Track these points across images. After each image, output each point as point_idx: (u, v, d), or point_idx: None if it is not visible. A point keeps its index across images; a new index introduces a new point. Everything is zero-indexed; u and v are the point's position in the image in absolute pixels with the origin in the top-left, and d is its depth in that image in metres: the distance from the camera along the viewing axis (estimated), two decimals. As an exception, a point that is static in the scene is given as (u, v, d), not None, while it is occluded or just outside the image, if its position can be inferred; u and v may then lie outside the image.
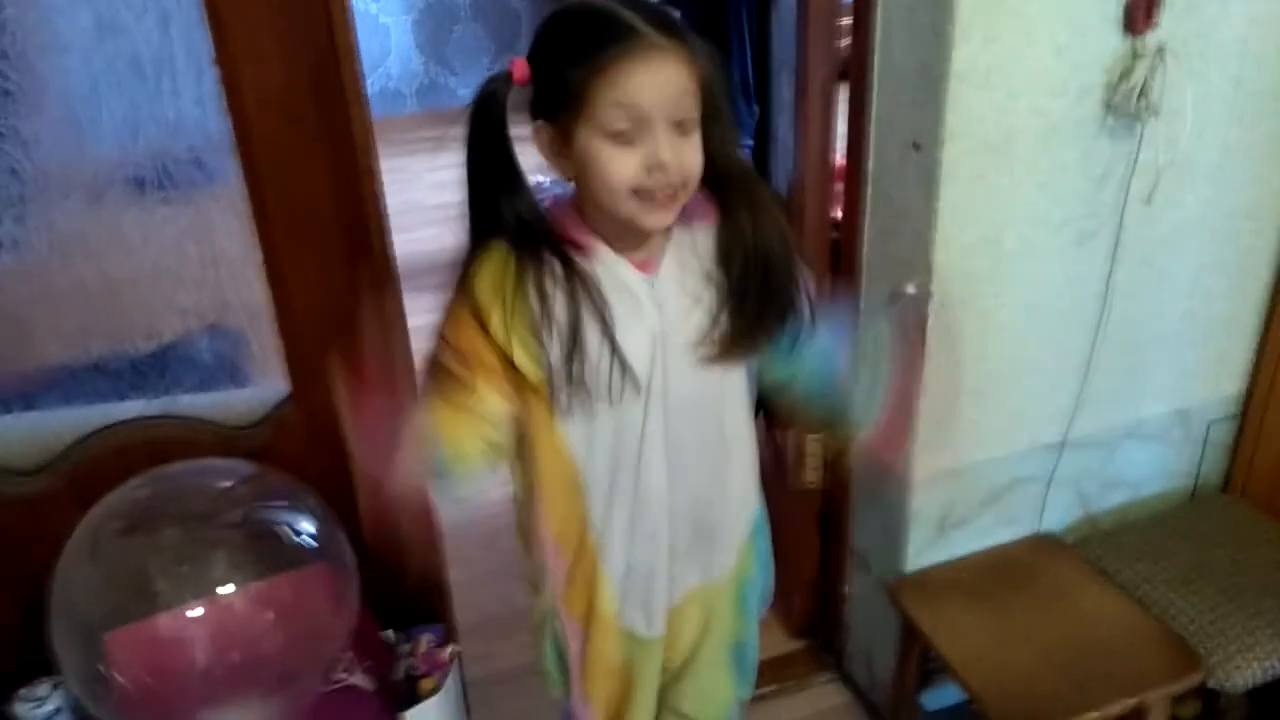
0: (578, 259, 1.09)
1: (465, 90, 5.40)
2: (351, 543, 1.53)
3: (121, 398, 1.57)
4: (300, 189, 1.49)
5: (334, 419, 1.63)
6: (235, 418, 1.62)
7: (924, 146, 1.48)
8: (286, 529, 1.46)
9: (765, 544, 1.39)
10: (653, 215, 1.06)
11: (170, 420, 1.59)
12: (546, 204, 1.14)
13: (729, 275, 1.13)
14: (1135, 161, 1.55)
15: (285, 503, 1.50)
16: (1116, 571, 1.73)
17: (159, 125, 1.44)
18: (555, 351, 1.09)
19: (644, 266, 1.13)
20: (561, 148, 1.06)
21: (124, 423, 1.57)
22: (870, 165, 1.62)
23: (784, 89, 1.88)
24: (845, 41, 1.63)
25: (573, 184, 1.10)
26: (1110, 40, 1.46)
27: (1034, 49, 1.42)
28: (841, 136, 1.70)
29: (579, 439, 1.16)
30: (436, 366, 1.12)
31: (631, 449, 1.16)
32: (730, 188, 1.13)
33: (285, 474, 1.52)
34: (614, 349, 1.10)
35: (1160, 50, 1.46)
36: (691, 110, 1.04)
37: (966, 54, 1.39)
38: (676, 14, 1.15)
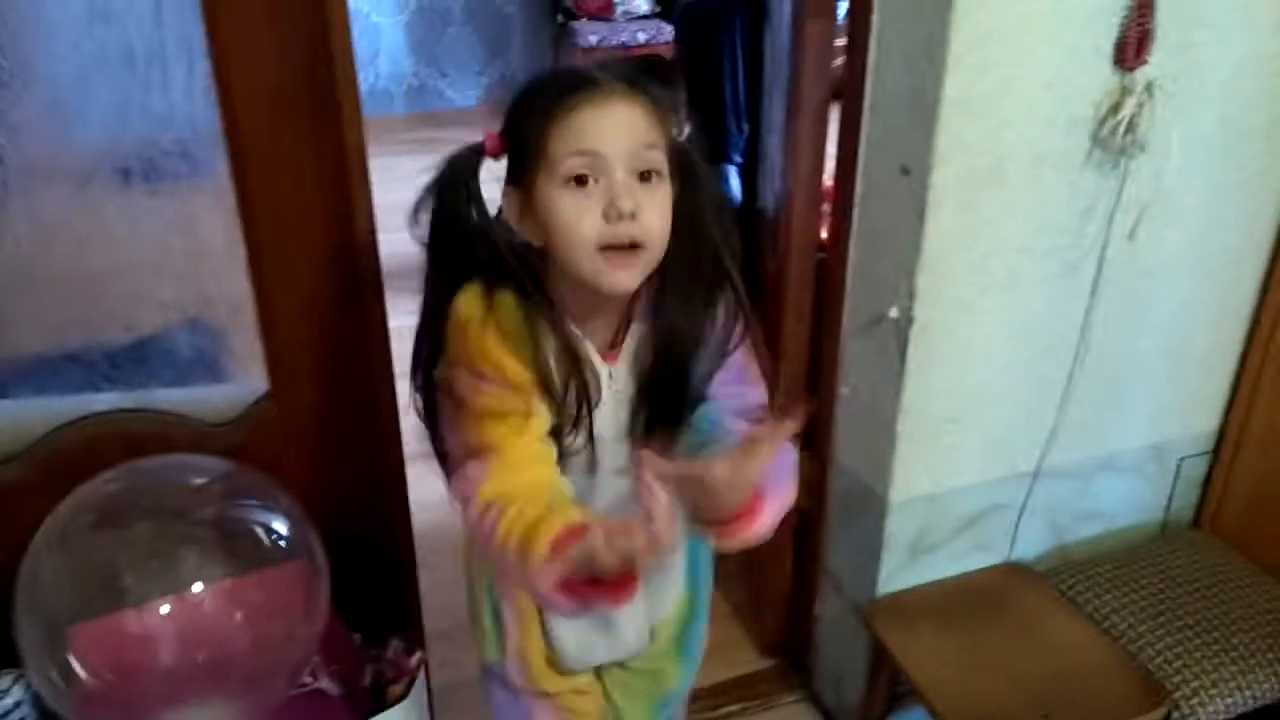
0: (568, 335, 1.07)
1: (455, 93, 5.41)
2: (323, 544, 1.52)
3: (97, 389, 1.55)
4: (288, 185, 1.48)
5: (310, 418, 1.63)
6: (212, 414, 1.61)
7: (913, 171, 1.49)
8: (259, 528, 1.44)
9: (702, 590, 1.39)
10: (613, 275, 1.00)
11: (146, 414, 1.57)
12: None
13: (655, 364, 1.11)
14: (1120, 196, 1.56)
15: (258, 501, 1.48)
16: (1086, 602, 1.74)
17: (147, 116, 1.43)
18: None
19: (607, 355, 1.11)
20: (527, 209, 1.03)
21: (99, 415, 1.55)
22: (859, 187, 1.63)
23: (775, 109, 1.89)
24: (839, 62, 1.64)
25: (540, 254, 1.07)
26: (1100, 74, 1.47)
27: (1025, 79, 1.44)
28: (831, 157, 1.71)
29: None
30: (477, 419, 1.06)
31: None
32: (672, 268, 1.07)
33: (259, 472, 1.51)
34: (591, 421, 1.09)
35: (1149, 86, 1.48)
36: (658, 164, 1.01)
37: (959, 81, 1.40)
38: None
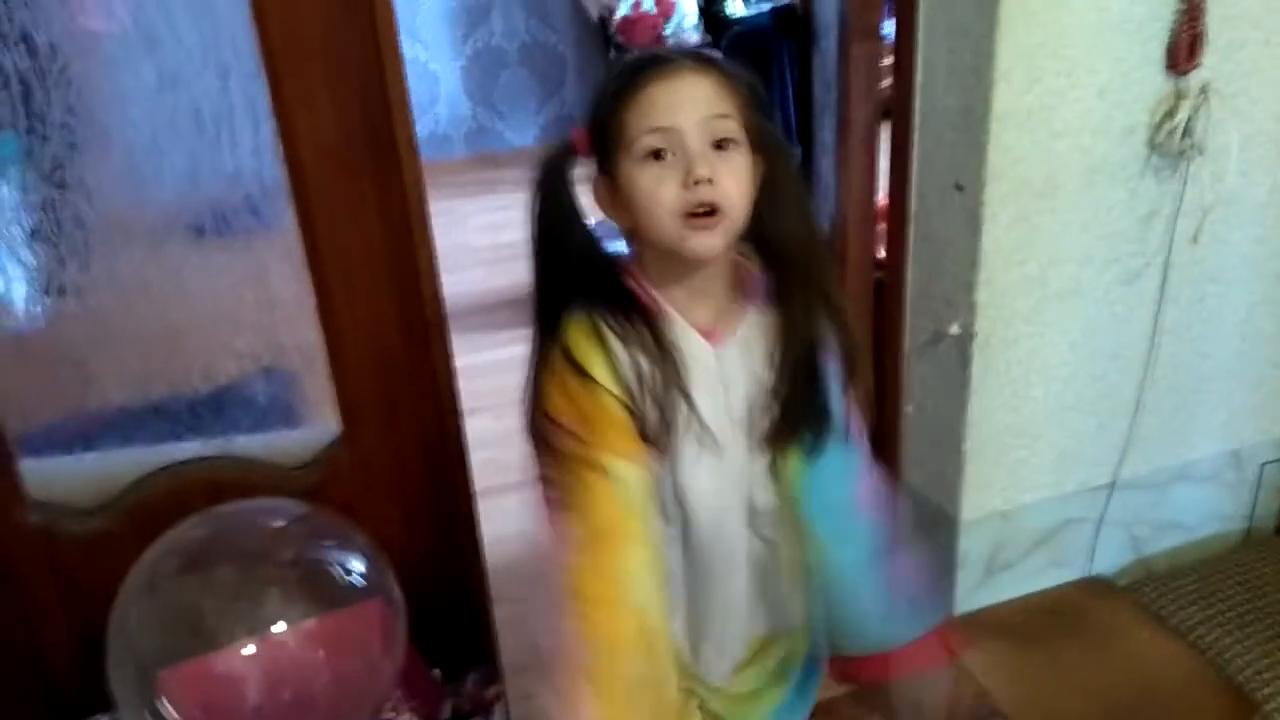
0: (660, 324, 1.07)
1: (512, 134, 5.50)
2: (399, 581, 1.55)
3: (179, 439, 1.61)
4: (352, 234, 1.53)
5: (382, 458, 1.67)
6: (288, 458, 1.66)
7: (966, 187, 1.49)
8: (338, 568, 1.48)
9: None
10: (695, 239, 1.01)
11: (225, 461, 1.62)
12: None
13: (783, 360, 1.10)
14: (1181, 200, 1.55)
15: (336, 542, 1.52)
16: (1170, 615, 1.70)
17: (217, 174, 1.49)
18: (647, 412, 1.05)
19: (710, 336, 1.10)
20: (614, 195, 1.06)
21: (181, 463, 1.61)
22: (913, 205, 1.63)
23: (826, 130, 1.90)
24: (887, 82, 1.65)
25: (631, 240, 1.09)
26: (1153, 80, 1.46)
27: (1076, 90, 1.43)
28: (884, 173, 1.71)
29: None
30: (563, 470, 1.06)
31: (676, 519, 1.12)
32: (786, 265, 1.09)
33: (336, 513, 1.55)
34: (694, 410, 1.06)
35: (1204, 89, 1.46)
36: (733, 133, 1.03)
37: (1008, 95, 1.40)
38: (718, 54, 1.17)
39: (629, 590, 1.03)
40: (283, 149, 1.46)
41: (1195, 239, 1.57)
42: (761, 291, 1.10)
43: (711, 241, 1.02)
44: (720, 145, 1.02)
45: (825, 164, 1.93)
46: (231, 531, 1.50)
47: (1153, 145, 1.50)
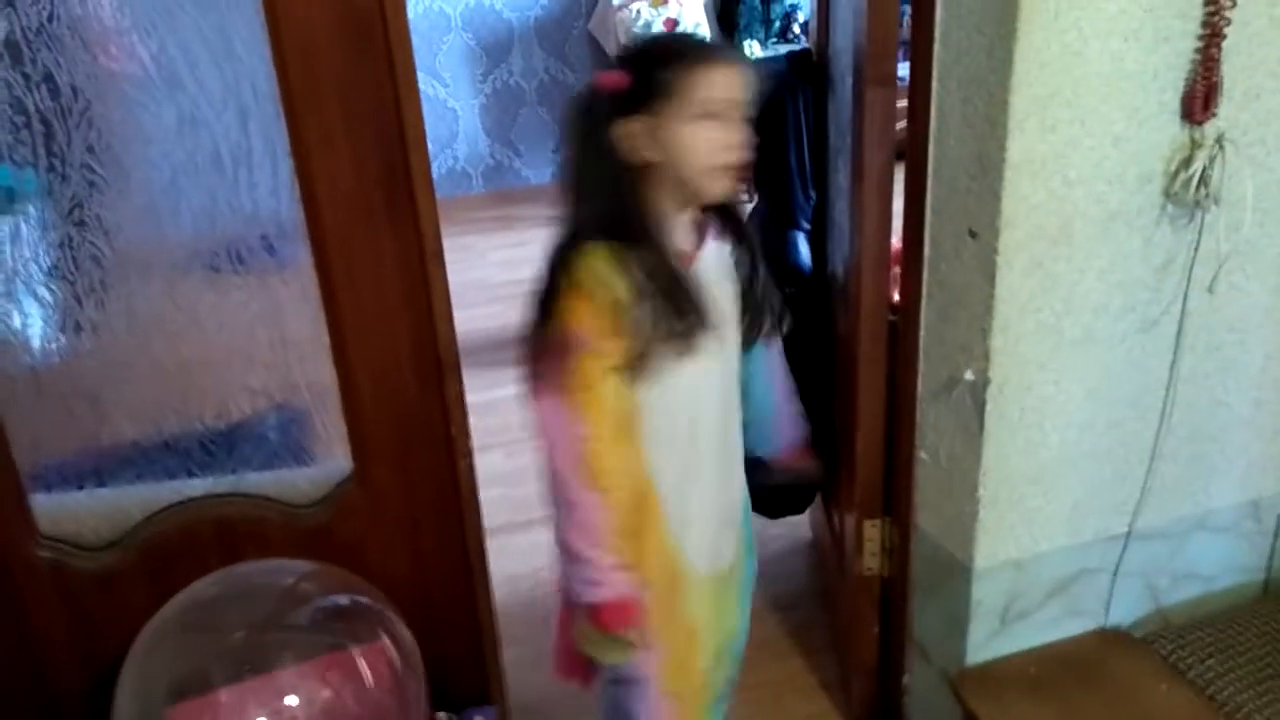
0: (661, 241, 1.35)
1: (530, 172, 5.54)
2: (408, 621, 1.54)
3: (190, 475, 1.62)
4: (367, 274, 1.54)
5: (393, 496, 1.67)
6: (299, 495, 1.66)
7: (981, 234, 1.48)
8: (347, 618, 1.48)
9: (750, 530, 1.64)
10: (723, 184, 1.36)
11: (237, 498, 1.63)
12: None
13: (741, 277, 1.47)
14: (1197, 249, 1.54)
15: (346, 598, 1.53)
16: (1188, 668, 1.67)
17: (235, 213, 1.51)
18: (653, 311, 1.31)
19: (684, 259, 1.39)
20: (653, 136, 1.31)
21: (192, 500, 1.61)
22: (927, 251, 1.63)
23: (841, 174, 1.90)
24: (902, 125, 1.65)
25: (646, 173, 1.34)
26: (1168, 129, 1.46)
27: (1091, 138, 1.43)
28: (899, 215, 1.71)
29: (649, 401, 1.37)
30: (578, 372, 1.31)
31: (688, 410, 1.40)
32: (739, 219, 1.48)
33: (345, 571, 1.55)
34: (700, 294, 1.35)
35: (1220, 139, 1.46)
36: (749, 113, 1.35)
37: (1022, 144, 1.40)
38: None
39: (634, 462, 1.37)
40: (300, 189, 1.47)
41: (1211, 288, 1.56)
42: (716, 230, 1.45)
43: (731, 186, 1.38)
44: (744, 121, 1.34)
45: (840, 208, 1.93)
46: (243, 593, 1.50)
47: (1168, 194, 1.49)
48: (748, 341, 1.50)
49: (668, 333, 1.32)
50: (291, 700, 1.41)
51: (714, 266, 1.43)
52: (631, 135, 1.32)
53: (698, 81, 1.30)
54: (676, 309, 1.32)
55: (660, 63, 1.33)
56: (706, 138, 1.31)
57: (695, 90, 1.30)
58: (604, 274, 1.30)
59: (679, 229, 1.39)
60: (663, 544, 1.43)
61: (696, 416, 1.42)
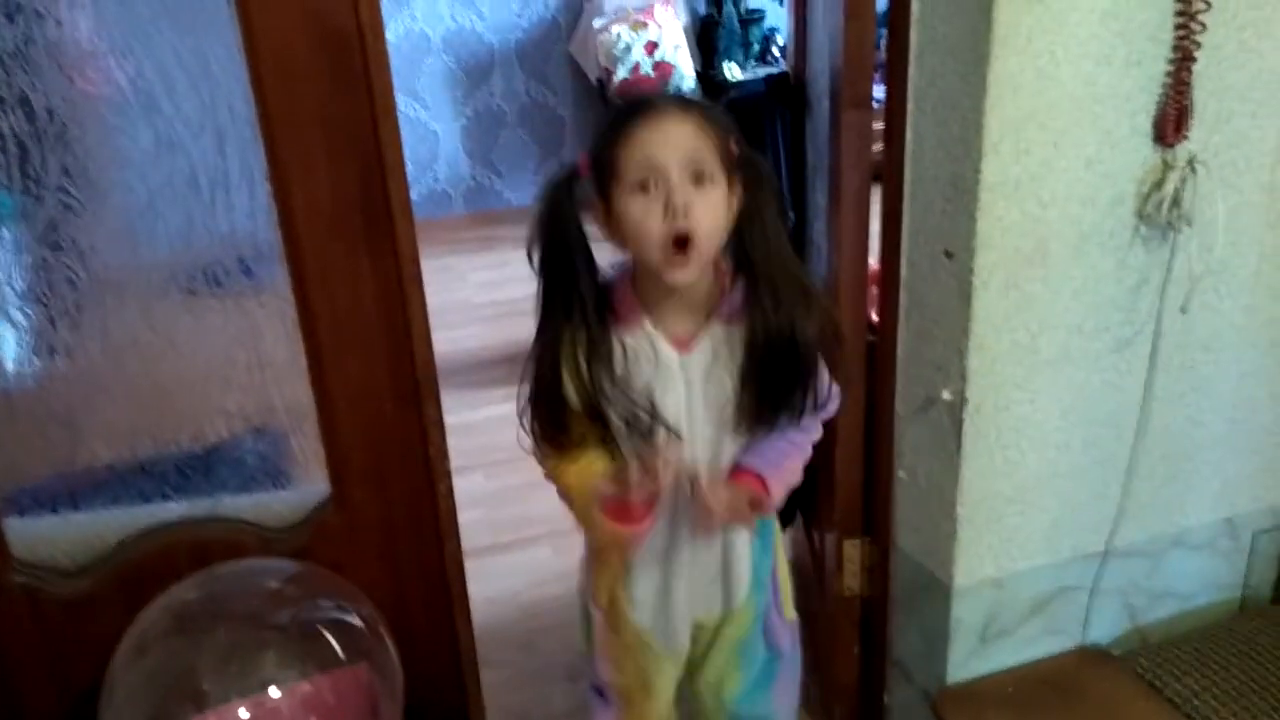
0: (625, 335, 1.28)
1: (511, 193, 5.54)
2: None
3: (166, 498, 1.61)
4: (345, 296, 1.54)
5: (371, 519, 1.66)
6: (276, 519, 1.65)
7: (956, 254, 1.49)
8: (333, 629, 1.47)
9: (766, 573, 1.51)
10: (673, 270, 1.20)
11: (213, 521, 1.62)
12: (613, 277, 1.31)
13: (749, 360, 1.29)
14: (1170, 269, 1.55)
15: (333, 602, 1.52)
16: (1166, 685, 1.68)
17: (212, 236, 1.50)
18: (614, 406, 1.27)
19: (681, 345, 1.29)
20: (608, 217, 1.23)
21: (168, 524, 1.60)
22: (904, 271, 1.64)
23: (819, 194, 1.92)
24: (878, 147, 1.67)
25: (626, 257, 1.27)
26: (1141, 151, 1.48)
27: (1064, 160, 1.44)
28: (876, 236, 1.73)
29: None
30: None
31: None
32: (757, 273, 1.27)
33: (331, 574, 1.54)
34: (653, 405, 1.27)
35: (1191, 161, 1.47)
36: (710, 165, 1.19)
37: (996, 165, 1.42)
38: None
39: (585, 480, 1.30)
40: (277, 212, 1.47)
41: (1184, 309, 1.57)
42: (733, 308, 1.29)
43: (686, 273, 1.21)
44: (699, 180, 1.19)
45: (818, 228, 1.95)
46: (226, 593, 1.49)
47: (1141, 216, 1.51)
48: (758, 426, 1.33)
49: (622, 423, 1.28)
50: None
51: (715, 354, 1.30)
52: (596, 220, 1.26)
53: (627, 148, 1.18)
54: (610, 403, 1.26)
55: (602, 141, 1.23)
56: (642, 207, 1.18)
57: (628, 158, 1.18)
58: (569, 357, 1.27)
59: (670, 316, 1.29)
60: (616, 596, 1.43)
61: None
